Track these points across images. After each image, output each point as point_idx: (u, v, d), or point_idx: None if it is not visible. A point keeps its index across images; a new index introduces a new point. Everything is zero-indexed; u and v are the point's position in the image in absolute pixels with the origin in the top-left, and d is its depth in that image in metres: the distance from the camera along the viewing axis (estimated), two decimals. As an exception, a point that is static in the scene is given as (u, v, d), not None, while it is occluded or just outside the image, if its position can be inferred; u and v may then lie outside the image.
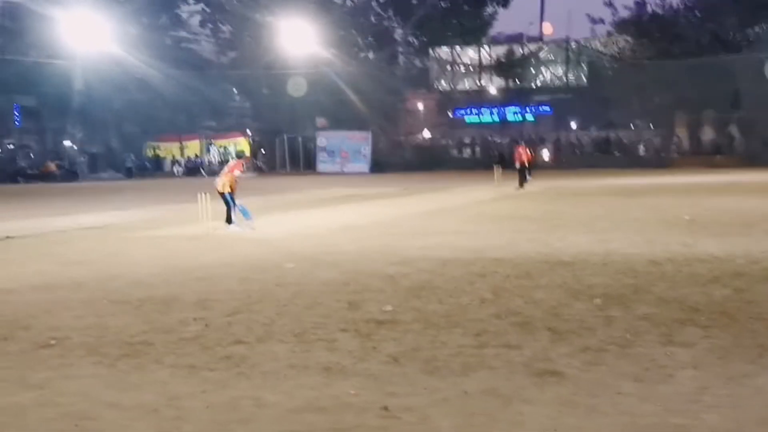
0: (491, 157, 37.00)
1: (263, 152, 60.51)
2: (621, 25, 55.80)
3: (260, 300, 9.01)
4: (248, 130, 61.94)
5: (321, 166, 55.97)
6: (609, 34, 56.71)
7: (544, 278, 10.06)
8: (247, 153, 56.07)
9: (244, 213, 16.87)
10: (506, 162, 33.40)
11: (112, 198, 30.96)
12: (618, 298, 8.68)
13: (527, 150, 32.65)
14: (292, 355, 6.58)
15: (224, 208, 16.89)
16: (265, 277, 10.63)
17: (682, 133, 54.14)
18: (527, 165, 31.48)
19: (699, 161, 48.73)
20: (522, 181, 30.12)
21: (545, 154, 55.21)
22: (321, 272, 10.91)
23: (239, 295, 9.30)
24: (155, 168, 58.53)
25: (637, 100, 54.02)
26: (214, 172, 54.33)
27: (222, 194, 16.84)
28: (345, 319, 7.91)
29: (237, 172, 17.06)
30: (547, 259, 11.69)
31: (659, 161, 50.44)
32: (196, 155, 58.47)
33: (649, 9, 54.76)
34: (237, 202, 16.86)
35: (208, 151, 57.91)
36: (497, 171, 32.10)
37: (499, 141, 56.17)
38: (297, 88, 56.38)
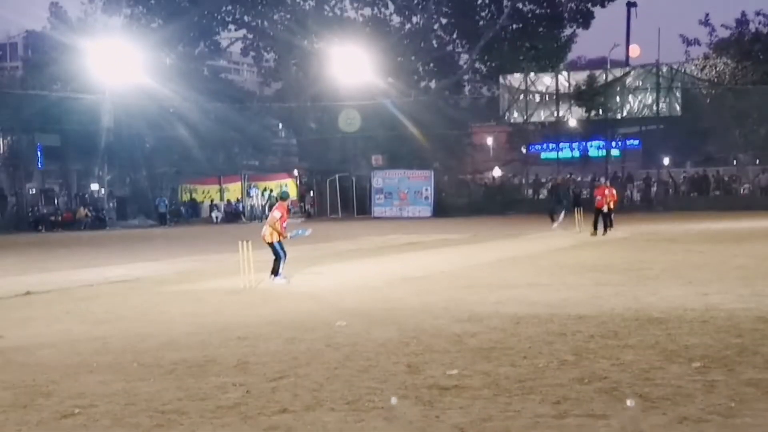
0: (558, 195, 36.65)
1: (312, 194, 60.94)
2: (719, 46, 55.23)
3: (308, 363, 9.04)
4: (295, 171, 62.47)
5: (376, 210, 56.10)
6: (705, 56, 56.18)
7: (633, 338, 9.94)
8: (294, 195, 56.69)
9: (302, 232, 18.11)
10: (578, 201, 33.15)
11: (143, 247, 31.41)
12: (720, 360, 8.53)
13: (612, 191, 32.40)
14: (344, 426, 6.58)
15: (271, 257, 17.06)
16: (314, 336, 10.68)
17: (793, 169, 53.37)
18: (611, 208, 31.20)
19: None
20: (597, 224, 29.67)
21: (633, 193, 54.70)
22: (377, 331, 10.91)
23: (284, 357, 9.35)
24: (191, 213, 59.20)
25: (740, 131, 53.33)
26: (256, 218, 55.17)
27: (270, 244, 17.04)
28: (404, 385, 7.89)
29: (281, 215, 17.22)
30: (637, 315, 11.55)
31: (766, 202, 49.65)
32: (238, 199, 59.05)
33: (752, 27, 54.25)
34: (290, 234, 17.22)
35: (249, 194, 58.46)
36: (577, 215, 31.82)
37: (579, 179, 55.84)
38: (349, 122, 56.83)
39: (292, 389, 7.84)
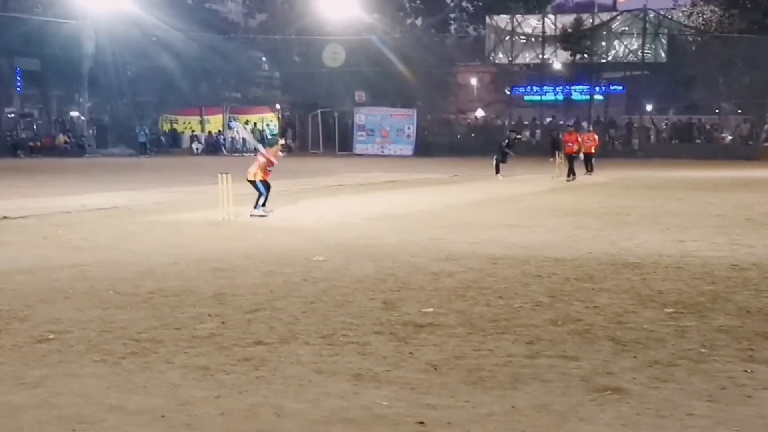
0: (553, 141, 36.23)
1: (294, 129, 60.67)
2: (708, -6, 55.10)
3: (285, 296, 9.07)
4: (277, 105, 62.08)
5: (358, 147, 55.99)
6: (693, 3, 55.91)
7: (608, 281, 10.02)
8: (277, 130, 56.44)
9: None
10: (560, 147, 32.78)
11: (123, 176, 31.30)
12: (693, 306, 8.61)
13: (594, 136, 32.40)
14: (319, 359, 6.62)
15: (251, 191, 17.09)
16: (292, 270, 10.70)
17: (775, 119, 53.44)
18: (592, 153, 31.26)
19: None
20: (570, 171, 29.47)
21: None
22: (355, 267, 10.96)
23: (261, 290, 9.38)
24: (171, 144, 58.93)
25: (724, 79, 53.26)
26: (236, 151, 54.96)
27: (253, 182, 17.09)
28: (379, 321, 7.94)
29: (272, 159, 17.28)
30: (613, 260, 11.64)
31: (748, 151, 49.84)
32: (219, 131, 58.71)
33: (741, -27, 53.96)
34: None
35: (230, 126, 58.13)
36: (558, 158, 31.79)
37: (562, 123, 55.74)
38: (334, 57, 56.43)
39: (267, 322, 7.87)
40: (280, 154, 18.57)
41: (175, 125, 60.35)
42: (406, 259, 11.61)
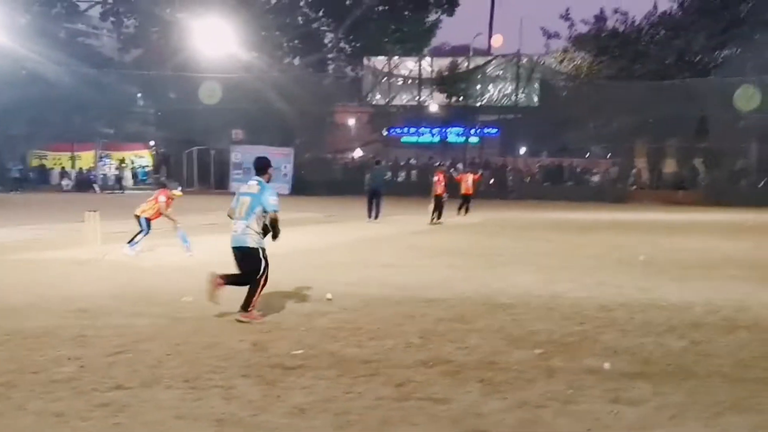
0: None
1: (167, 166, 59.81)
2: (578, 41, 56.58)
3: (150, 338, 8.81)
4: (152, 141, 61.16)
5: (235, 185, 55.31)
6: (565, 50, 57.47)
7: (480, 322, 10.07)
8: (151, 166, 55.55)
9: (184, 240, 17.07)
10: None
11: (-13, 213, 30.22)
12: (562, 346, 8.71)
13: (467, 177, 32.66)
14: (181, 404, 6.42)
15: (120, 229, 16.72)
16: (159, 311, 10.43)
17: (641, 163, 55.02)
18: (470, 194, 31.53)
19: (659, 196, 49.55)
20: (435, 212, 28.81)
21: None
22: (223, 307, 10.73)
23: (125, 332, 9.09)
24: (39, 180, 57.38)
25: (594, 123, 54.70)
26: (109, 188, 53.81)
27: (138, 217, 16.75)
28: (248, 363, 7.78)
29: (162, 200, 16.97)
30: (485, 300, 11.72)
31: (616, 194, 51.20)
32: (90, 168, 57.49)
33: (609, 24, 55.69)
34: (179, 228, 17.03)
35: (104, 162, 57.00)
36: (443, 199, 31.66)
37: (439, 164, 56.38)
38: (210, 94, 55.91)
39: (130, 365, 7.61)
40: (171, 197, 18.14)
41: (44, 161, 58.92)
42: (275, 299, 11.44)
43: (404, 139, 62.70)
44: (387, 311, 10.72)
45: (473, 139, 60.94)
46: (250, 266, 10.15)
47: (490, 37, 69.91)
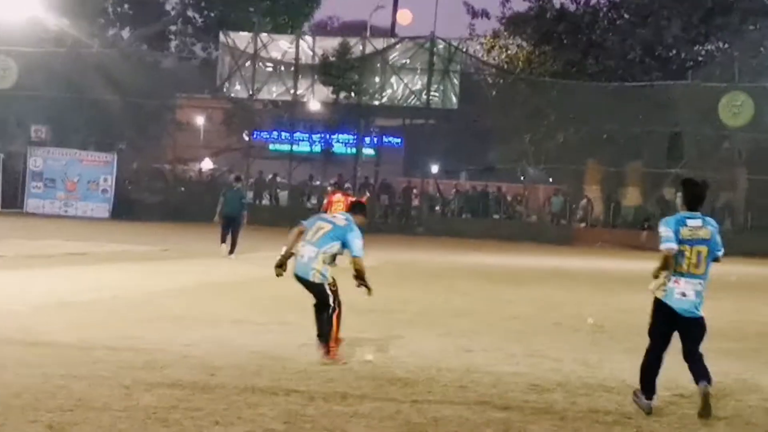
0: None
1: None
2: (514, 23, 56.73)
3: None
4: None
5: (31, 203, 54.55)
6: (495, 34, 57.48)
7: (366, 404, 10.08)
8: None
9: None
10: None
11: None
12: (477, 440, 8.75)
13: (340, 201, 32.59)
14: None
15: None
16: None
17: (593, 192, 55.32)
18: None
19: (616, 237, 50.26)
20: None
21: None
22: (9, 375, 10.58)
23: None
24: None
25: (532, 137, 54.75)
26: None
27: None
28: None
29: None
30: (376, 373, 11.76)
31: (558, 233, 51.78)
32: None
33: (555, 2, 55.93)
34: None
35: None
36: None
37: (334, 183, 56.25)
38: (2, 75, 55.09)
39: None
40: None
41: None
42: (88, 365, 11.33)
43: (273, 147, 62.64)
44: (237, 385, 10.67)
45: (368, 151, 61.17)
46: (318, 297, 12.69)
47: (395, 12, 70.32)
